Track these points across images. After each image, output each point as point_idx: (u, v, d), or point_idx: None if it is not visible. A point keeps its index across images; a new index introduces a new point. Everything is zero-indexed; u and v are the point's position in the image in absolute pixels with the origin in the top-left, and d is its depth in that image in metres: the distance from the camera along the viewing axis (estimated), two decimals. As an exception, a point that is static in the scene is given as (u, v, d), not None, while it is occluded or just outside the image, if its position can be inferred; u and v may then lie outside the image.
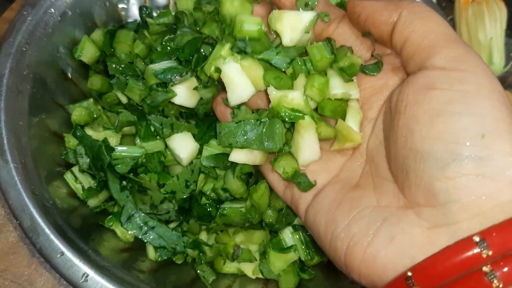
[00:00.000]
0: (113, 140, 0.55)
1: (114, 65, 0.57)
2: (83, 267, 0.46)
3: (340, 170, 0.44)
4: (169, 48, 0.55)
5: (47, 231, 0.47)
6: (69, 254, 0.46)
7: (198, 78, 0.50)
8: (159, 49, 0.56)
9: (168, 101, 0.50)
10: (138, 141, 0.53)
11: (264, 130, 0.44)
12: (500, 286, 0.29)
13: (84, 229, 0.52)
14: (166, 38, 0.56)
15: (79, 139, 0.54)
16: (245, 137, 0.44)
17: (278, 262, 0.53)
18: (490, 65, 0.75)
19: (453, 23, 0.81)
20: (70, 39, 0.61)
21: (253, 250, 0.55)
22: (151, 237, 0.53)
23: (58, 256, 0.46)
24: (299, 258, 0.54)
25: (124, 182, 0.53)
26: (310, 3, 0.45)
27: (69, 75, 0.61)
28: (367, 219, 0.37)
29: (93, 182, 0.57)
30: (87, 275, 0.46)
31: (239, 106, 0.46)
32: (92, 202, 0.56)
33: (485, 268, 0.30)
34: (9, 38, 0.55)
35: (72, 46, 0.61)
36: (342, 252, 0.37)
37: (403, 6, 0.39)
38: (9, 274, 0.57)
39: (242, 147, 0.44)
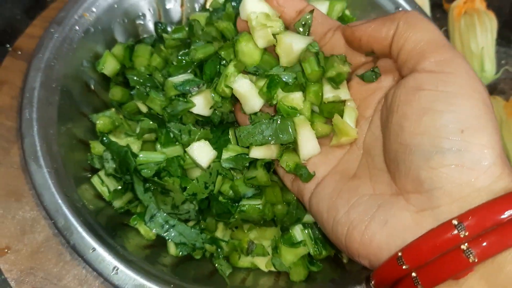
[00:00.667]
0: (135, 146, 0.60)
1: (134, 77, 0.62)
2: (113, 261, 0.51)
3: (338, 162, 0.49)
4: (184, 62, 0.60)
5: (80, 229, 0.52)
6: (100, 249, 0.51)
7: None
8: (175, 63, 0.61)
9: (187, 110, 0.55)
10: (158, 146, 0.58)
11: (277, 126, 0.49)
12: (476, 260, 0.34)
13: (110, 227, 0.57)
14: (181, 52, 0.61)
15: (106, 146, 0.59)
16: (262, 135, 0.50)
17: (289, 256, 0.57)
18: (482, 72, 0.80)
19: (447, 34, 0.86)
20: (93, 54, 0.66)
21: (265, 245, 0.59)
22: (172, 234, 0.58)
23: (91, 251, 0.51)
24: (309, 253, 0.58)
25: (147, 184, 0.57)
26: (306, 23, 0.50)
27: (92, 87, 0.66)
28: (364, 206, 0.42)
29: (117, 184, 0.61)
30: (117, 268, 0.50)
31: (255, 113, 0.51)
32: (117, 203, 0.61)
33: (462, 246, 0.35)
34: (39, 54, 0.61)
35: (94, 60, 0.66)
36: (342, 236, 0.43)
37: (399, 17, 0.43)
38: (39, 271, 0.61)
39: (261, 144, 0.50)
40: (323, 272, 0.59)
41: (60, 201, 0.53)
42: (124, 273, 0.50)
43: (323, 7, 0.69)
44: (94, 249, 0.51)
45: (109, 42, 0.68)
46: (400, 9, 0.69)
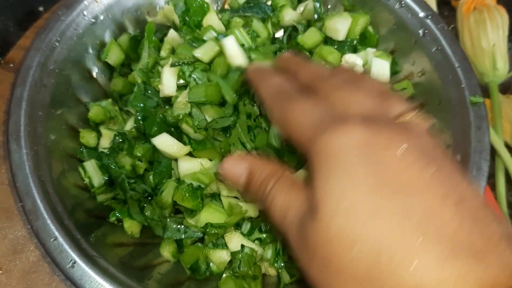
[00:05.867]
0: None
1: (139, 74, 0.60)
2: (72, 254, 0.48)
3: None
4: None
5: (45, 215, 0.50)
6: (61, 239, 0.49)
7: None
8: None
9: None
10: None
11: None
12: None
13: (84, 220, 0.54)
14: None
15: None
16: None
17: None
18: (494, 71, 0.74)
19: (455, 32, 0.81)
20: (99, 41, 0.65)
21: None
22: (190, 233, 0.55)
23: (51, 240, 0.49)
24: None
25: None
26: None
27: (94, 74, 0.65)
28: None
29: (102, 177, 0.59)
30: (75, 262, 0.48)
31: None
32: (101, 197, 0.59)
33: None
34: (42, 35, 0.60)
35: (100, 48, 0.65)
36: None
37: None
38: (32, 292, 0.58)
39: None
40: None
41: (32, 184, 0.51)
42: (80, 268, 0.47)
43: (346, 23, 0.65)
44: (55, 238, 0.49)
45: (119, 32, 0.67)
46: (426, 31, 0.64)
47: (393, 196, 0.31)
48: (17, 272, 0.58)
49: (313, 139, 0.36)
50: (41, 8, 0.83)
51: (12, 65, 0.70)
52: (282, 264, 0.54)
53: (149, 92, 0.58)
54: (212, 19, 0.62)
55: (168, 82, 0.56)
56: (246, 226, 0.54)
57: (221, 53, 0.57)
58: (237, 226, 0.54)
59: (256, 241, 0.54)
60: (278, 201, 0.39)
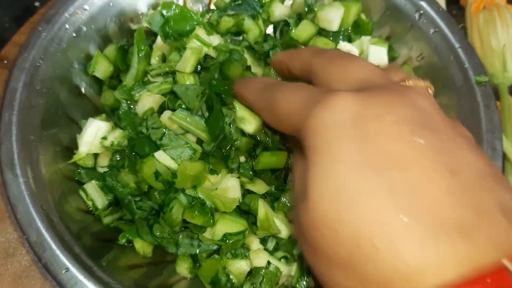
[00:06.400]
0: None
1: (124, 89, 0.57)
2: (88, 284, 0.45)
3: None
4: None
5: (53, 246, 0.46)
6: (74, 270, 0.46)
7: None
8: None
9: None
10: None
11: None
12: None
13: (93, 245, 0.51)
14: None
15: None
16: None
17: None
18: (504, 72, 0.73)
19: (464, 31, 0.79)
20: (84, 55, 0.61)
21: None
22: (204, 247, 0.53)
23: (63, 272, 0.45)
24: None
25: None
26: None
27: (83, 90, 0.61)
28: None
29: (105, 198, 0.56)
30: (92, 292, 0.45)
31: None
32: (107, 219, 0.56)
33: None
34: (24, 53, 0.56)
35: (86, 62, 0.61)
36: None
37: None
38: (23, 297, 0.56)
39: None
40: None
41: (34, 214, 0.48)
42: (99, 298, 0.45)
43: (339, 13, 0.63)
44: (67, 269, 0.46)
45: (104, 43, 0.63)
46: (421, 14, 0.62)
47: (379, 173, 0.29)
48: (8, 276, 0.56)
49: (303, 119, 0.34)
50: (37, 4, 0.80)
51: (6, 61, 0.68)
52: (305, 284, 0.52)
53: (134, 108, 0.56)
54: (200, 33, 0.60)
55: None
56: (272, 243, 0.52)
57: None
58: (263, 241, 0.52)
59: (282, 259, 0.52)
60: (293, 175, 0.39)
